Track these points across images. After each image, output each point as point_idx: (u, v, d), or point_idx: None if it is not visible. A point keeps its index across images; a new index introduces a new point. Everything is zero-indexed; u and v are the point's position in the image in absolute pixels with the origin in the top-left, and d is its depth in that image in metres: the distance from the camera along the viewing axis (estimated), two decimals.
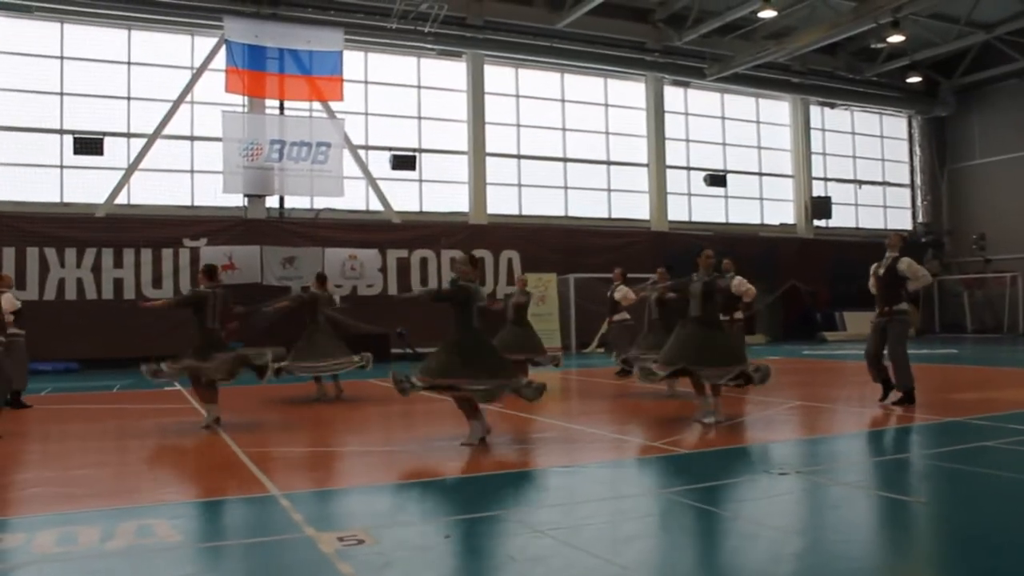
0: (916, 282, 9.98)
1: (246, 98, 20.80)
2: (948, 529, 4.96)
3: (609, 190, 25.59)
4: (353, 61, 21.95)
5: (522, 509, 5.51)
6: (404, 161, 22.16)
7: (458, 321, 7.58)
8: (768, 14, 22.26)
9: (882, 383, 9.98)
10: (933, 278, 27.40)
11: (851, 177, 30.06)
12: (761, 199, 28.28)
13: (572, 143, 25.06)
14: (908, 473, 6.62)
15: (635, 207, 25.83)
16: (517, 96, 24.47)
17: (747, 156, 27.96)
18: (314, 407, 11.20)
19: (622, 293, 13.55)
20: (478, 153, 23.38)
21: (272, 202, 21.19)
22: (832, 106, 29.49)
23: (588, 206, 25.15)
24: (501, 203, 23.87)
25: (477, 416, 7.62)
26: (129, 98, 20.31)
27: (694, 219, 26.71)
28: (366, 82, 22.56)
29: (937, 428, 8.50)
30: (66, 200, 19.60)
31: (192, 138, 20.69)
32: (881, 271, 9.98)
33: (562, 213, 24.78)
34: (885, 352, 9.89)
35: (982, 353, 20.38)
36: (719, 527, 5.02)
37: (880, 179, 30.80)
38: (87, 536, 4.75)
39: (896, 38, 23.80)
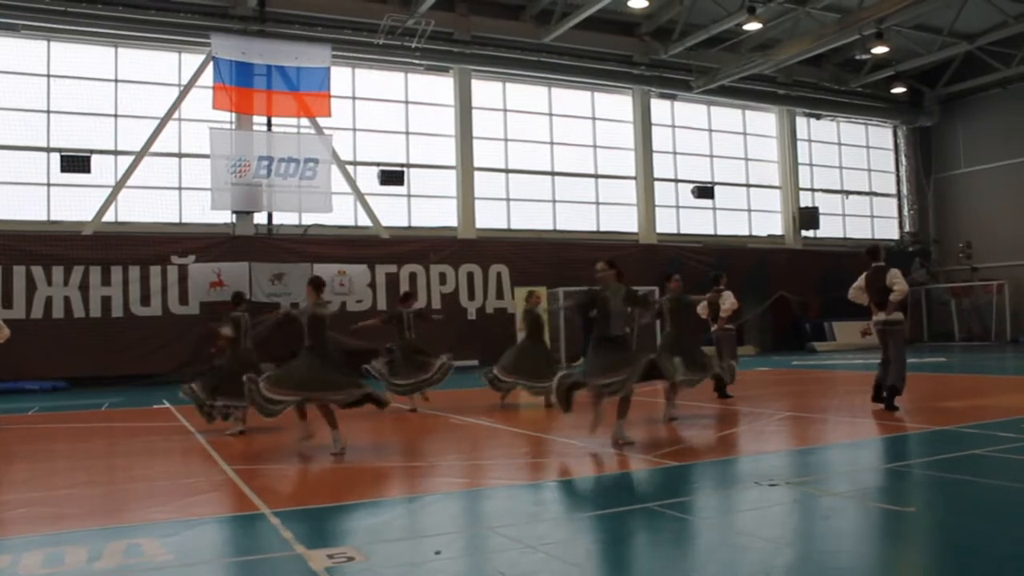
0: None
1: (234, 115, 20.76)
2: (939, 538, 4.96)
3: (597, 203, 25.65)
4: (340, 77, 21.98)
5: (513, 524, 5.49)
6: (392, 176, 22.18)
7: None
8: (753, 26, 22.43)
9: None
10: (918, 286, 27.81)
11: (838, 187, 30.22)
12: (749, 210, 28.39)
13: (560, 157, 25.13)
14: (899, 482, 6.63)
15: (623, 220, 25.89)
16: (505, 110, 24.54)
17: (734, 168, 28.08)
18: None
19: None
20: (466, 168, 23.41)
21: (260, 218, 21.15)
22: (818, 117, 29.66)
23: (576, 219, 25.20)
24: (489, 217, 23.89)
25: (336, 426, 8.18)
26: (116, 115, 20.28)
27: (683, 231, 26.79)
28: (354, 98, 22.59)
29: (927, 436, 8.52)
30: (53, 218, 19.53)
31: (180, 155, 20.66)
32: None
33: (551, 227, 24.81)
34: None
35: (970, 361, 20.46)
36: (710, 539, 5.01)
37: (867, 189, 30.98)
38: (74, 557, 4.71)
39: (880, 49, 24.00)
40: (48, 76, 19.75)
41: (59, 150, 19.36)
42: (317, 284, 8.74)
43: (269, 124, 21.24)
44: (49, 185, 19.56)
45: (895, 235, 31.06)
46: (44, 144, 19.52)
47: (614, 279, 8.25)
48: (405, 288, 21.71)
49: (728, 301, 12.49)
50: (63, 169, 19.14)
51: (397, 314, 12.29)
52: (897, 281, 10.02)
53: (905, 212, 31.53)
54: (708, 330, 12.90)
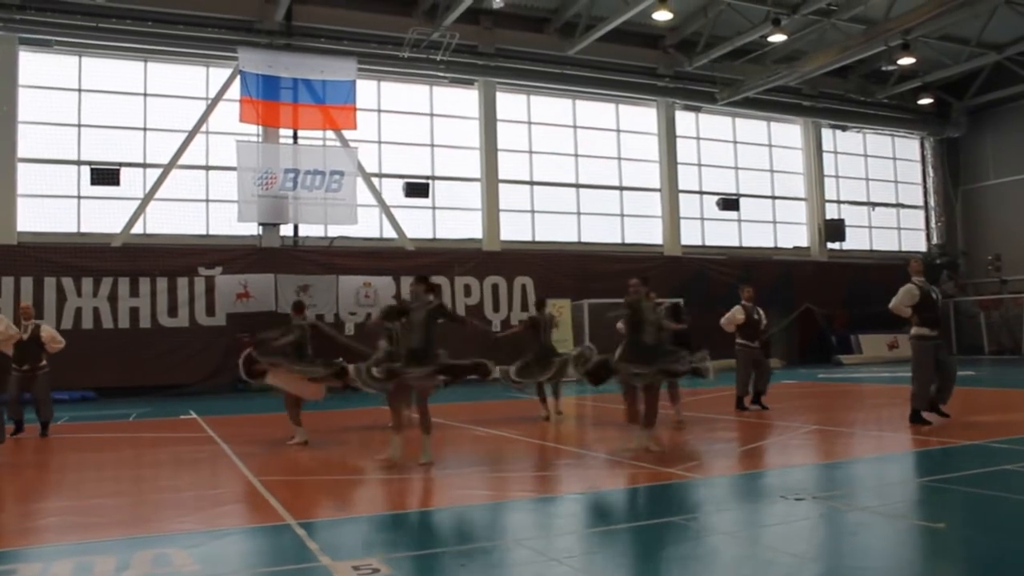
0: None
1: (260, 128, 20.95)
2: (968, 555, 4.91)
3: (622, 215, 25.61)
4: (366, 90, 22.13)
5: (538, 537, 5.49)
6: (417, 188, 22.26)
7: None
8: (778, 38, 22.36)
9: (931, 405, 10.26)
10: (948, 299, 27.48)
11: (864, 199, 29.99)
12: (774, 222, 28.23)
13: (584, 169, 25.12)
14: (927, 497, 6.57)
15: (648, 232, 25.83)
16: (529, 123, 24.58)
17: (759, 180, 27.95)
18: (328, 434, 11.17)
19: None
20: (491, 180, 23.46)
21: (286, 230, 21.30)
22: (844, 129, 29.49)
23: (601, 231, 25.16)
24: (514, 229, 23.90)
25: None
26: (145, 129, 20.52)
27: (707, 243, 26.69)
28: (379, 111, 22.73)
29: (955, 451, 8.43)
30: (83, 230, 19.76)
31: (207, 168, 20.86)
32: (937, 296, 10.20)
33: (575, 239, 24.80)
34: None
35: (1000, 375, 20.21)
36: (735, 553, 4.98)
37: (893, 201, 30.73)
38: (103, 566, 4.77)
39: (907, 60, 23.85)
40: (79, 91, 20.03)
41: (89, 163, 19.61)
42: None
43: (295, 137, 21.42)
44: (79, 198, 19.81)
45: (922, 247, 30.73)
46: (75, 157, 19.79)
47: (423, 292, 8.63)
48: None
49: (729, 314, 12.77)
50: (93, 182, 19.38)
51: (536, 320, 12.66)
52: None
53: (933, 224, 31.21)
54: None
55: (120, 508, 6.71)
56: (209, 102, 20.69)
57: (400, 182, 22.31)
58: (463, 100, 23.67)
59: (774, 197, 28.21)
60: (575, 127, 25.16)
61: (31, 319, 11.98)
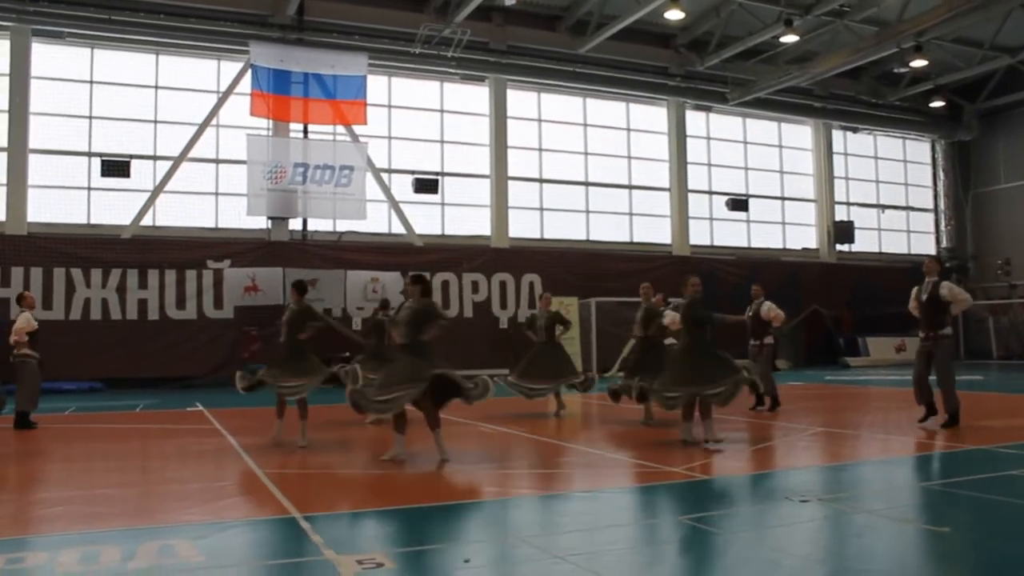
0: (958, 305, 10.13)
1: (270, 122, 21.01)
2: (973, 559, 4.89)
3: (631, 214, 25.58)
4: (377, 85, 22.14)
5: (542, 534, 5.49)
6: (426, 184, 22.28)
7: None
8: (790, 39, 22.29)
9: (926, 406, 10.09)
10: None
11: (874, 202, 29.90)
12: (783, 223, 28.17)
13: (594, 167, 25.10)
14: (932, 501, 6.54)
15: (657, 231, 25.80)
16: (539, 120, 24.57)
17: (769, 180, 27.88)
18: (334, 429, 11.17)
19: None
20: (500, 177, 23.46)
21: (295, 224, 21.33)
22: (855, 130, 29.39)
23: (610, 230, 25.15)
24: (523, 227, 23.90)
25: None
26: (156, 121, 20.58)
27: (716, 243, 26.65)
28: (389, 106, 22.74)
29: (962, 456, 8.41)
30: (93, 221, 19.84)
31: (217, 161, 20.92)
32: (924, 297, 10.04)
33: (583, 237, 24.79)
34: (932, 376, 10.07)
35: (1008, 379, 20.13)
36: (740, 554, 4.97)
37: (903, 204, 30.62)
38: (109, 555, 4.79)
39: (919, 62, 23.75)
40: (91, 82, 20.10)
41: (100, 155, 19.67)
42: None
43: (305, 131, 21.45)
44: (90, 189, 19.88)
45: (932, 250, 30.59)
46: (86, 149, 19.85)
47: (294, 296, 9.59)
48: (437, 295, 21.78)
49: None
50: (104, 173, 19.46)
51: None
52: None
53: (942, 227, 31.09)
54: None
55: (126, 499, 6.74)
56: (220, 95, 20.75)
57: (409, 178, 22.34)
58: (474, 97, 23.67)
59: (783, 198, 28.15)
60: (585, 125, 25.14)
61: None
